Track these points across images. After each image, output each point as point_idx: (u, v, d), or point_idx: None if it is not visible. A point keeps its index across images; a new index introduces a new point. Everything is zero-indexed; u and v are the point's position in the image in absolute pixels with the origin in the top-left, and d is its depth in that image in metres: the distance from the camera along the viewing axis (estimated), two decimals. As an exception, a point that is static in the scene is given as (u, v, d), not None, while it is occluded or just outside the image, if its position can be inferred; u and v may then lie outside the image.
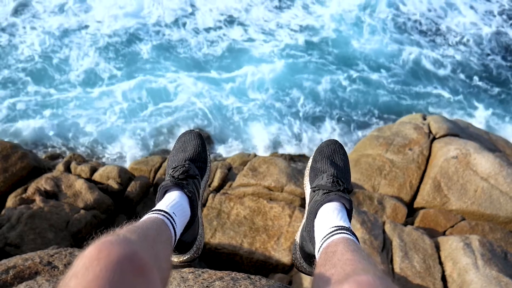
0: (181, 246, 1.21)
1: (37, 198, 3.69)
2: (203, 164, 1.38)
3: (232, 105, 6.75)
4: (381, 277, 0.76)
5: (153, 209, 1.11)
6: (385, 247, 3.55)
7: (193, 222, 1.21)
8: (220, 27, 7.98)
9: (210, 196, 4.08)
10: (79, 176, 4.21)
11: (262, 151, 6.16)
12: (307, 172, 1.39)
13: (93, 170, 4.34)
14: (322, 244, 1.06)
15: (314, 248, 1.15)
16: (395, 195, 4.55)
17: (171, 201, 1.16)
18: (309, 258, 1.21)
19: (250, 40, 7.88)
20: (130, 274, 0.72)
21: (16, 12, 7.34)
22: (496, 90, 8.40)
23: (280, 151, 6.26)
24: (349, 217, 1.17)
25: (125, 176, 4.34)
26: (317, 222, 1.17)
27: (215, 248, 3.72)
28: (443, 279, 3.33)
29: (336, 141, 1.40)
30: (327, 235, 1.07)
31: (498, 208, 4.40)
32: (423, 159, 4.80)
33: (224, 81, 7.10)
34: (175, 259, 1.24)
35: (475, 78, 8.52)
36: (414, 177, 4.68)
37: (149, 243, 0.88)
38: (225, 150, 6.15)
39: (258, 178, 4.31)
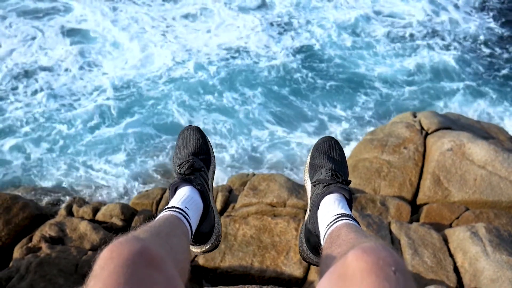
0: (201, 237, 1.26)
1: (43, 245, 3.69)
2: (207, 156, 1.43)
3: (239, 131, 6.87)
4: (383, 244, 0.82)
5: (166, 207, 1.16)
6: (394, 246, 3.57)
7: (207, 213, 1.26)
8: (225, 59, 8.15)
9: (215, 220, 4.09)
10: (82, 218, 4.22)
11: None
12: (306, 169, 1.46)
13: (96, 210, 4.35)
14: (326, 232, 1.13)
15: (319, 238, 1.21)
16: (397, 194, 4.58)
17: (182, 196, 1.21)
18: (316, 248, 1.26)
19: (252, 65, 8.06)
20: (142, 266, 0.78)
21: (19, 77, 7.45)
22: (482, 81, 8.54)
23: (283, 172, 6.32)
24: (350, 206, 1.24)
25: (128, 212, 4.35)
26: (320, 213, 1.24)
27: (226, 271, 3.72)
28: (456, 270, 3.34)
29: (332, 137, 1.46)
30: (330, 223, 1.14)
31: (499, 194, 4.43)
32: (419, 155, 4.85)
33: (229, 109, 7.24)
34: (198, 250, 1.29)
35: (461, 73, 8.66)
36: (413, 175, 4.72)
37: (162, 238, 0.94)
38: (227, 174, 6.19)
39: (259, 196, 4.34)
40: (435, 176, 4.57)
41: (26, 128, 6.59)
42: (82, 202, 5.03)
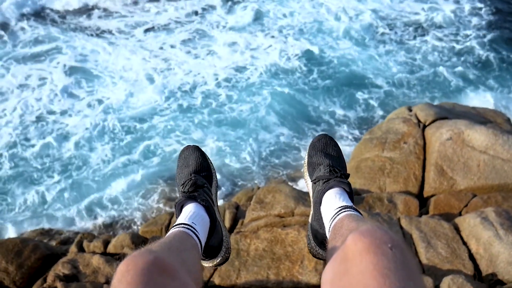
0: (211, 251, 1.30)
1: (58, 284, 3.68)
2: (208, 173, 1.48)
3: (249, 141, 6.99)
4: (379, 225, 0.87)
5: (174, 224, 1.21)
6: (406, 242, 3.56)
7: (215, 227, 1.30)
8: (229, 76, 8.31)
9: (225, 238, 4.09)
10: (94, 252, 4.22)
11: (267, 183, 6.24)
12: (305, 168, 1.50)
13: (106, 243, 4.35)
14: (330, 225, 1.18)
15: (325, 233, 1.25)
16: (403, 190, 4.58)
17: (188, 213, 1.25)
18: (323, 243, 1.30)
19: (257, 78, 8.27)
20: (157, 274, 0.83)
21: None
22: (476, 69, 8.60)
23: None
24: (351, 198, 1.27)
25: (138, 241, 4.34)
26: (323, 208, 1.28)
27: (243, 287, 3.70)
28: (471, 258, 3.33)
29: (326, 135, 1.50)
30: (333, 216, 1.19)
31: (505, 177, 4.44)
32: (420, 148, 4.86)
33: (239, 122, 7.38)
34: (210, 264, 1.33)
35: (454, 63, 8.72)
36: (416, 168, 4.73)
37: (174, 252, 0.98)
38: (231, 191, 6.21)
39: (266, 208, 4.34)
40: (438, 167, 4.58)
41: (36, 173, 6.59)
42: (91, 236, 5.03)
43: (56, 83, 8.09)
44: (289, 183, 6.00)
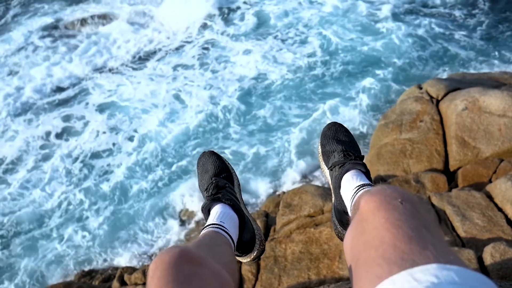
0: (245, 246, 1.35)
1: (107, 321, 3.74)
2: (228, 173, 1.53)
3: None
4: (388, 185, 0.91)
5: (203, 227, 1.25)
6: (441, 219, 3.52)
7: (244, 222, 1.35)
8: (250, 84, 8.45)
9: (260, 247, 4.09)
10: (136, 284, 4.28)
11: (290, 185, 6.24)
12: (320, 158, 1.55)
13: (146, 273, 4.41)
14: (351, 204, 1.22)
15: (348, 214, 1.30)
16: (428, 168, 4.54)
17: (216, 214, 1.31)
18: (348, 225, 1.32)
19: (274, 81, 8.40)
20: (184, 264, 0.87)
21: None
22: (480, 39, 8.51)
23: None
24: (368, 178, 1.31)
25: (177, 265, 4.38)
26: (343, 191, 1.32)
27: (286, 293, 3.70)
28: (509, 222, 3.27)
29: (335, 122, 1.54)
30: (352, 195, 1.23)
31: (529, 136, 4.36)
32: (437, 124, 4.81)
33: (267, 128, 7.48)
34: (248, 259, 1.38)
35: (459, 34, 8.65)
36: (438, 144, 4.68)
37: (203, 247, 1.03)
38: (258, 198, 6.24)
39: (295, 211, 4.34)
40: (459, 139, 4.52)
41: (76, 215, 6.71)
42: (131, 269, 5.10)
43: (91, 123, 8.21)
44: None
